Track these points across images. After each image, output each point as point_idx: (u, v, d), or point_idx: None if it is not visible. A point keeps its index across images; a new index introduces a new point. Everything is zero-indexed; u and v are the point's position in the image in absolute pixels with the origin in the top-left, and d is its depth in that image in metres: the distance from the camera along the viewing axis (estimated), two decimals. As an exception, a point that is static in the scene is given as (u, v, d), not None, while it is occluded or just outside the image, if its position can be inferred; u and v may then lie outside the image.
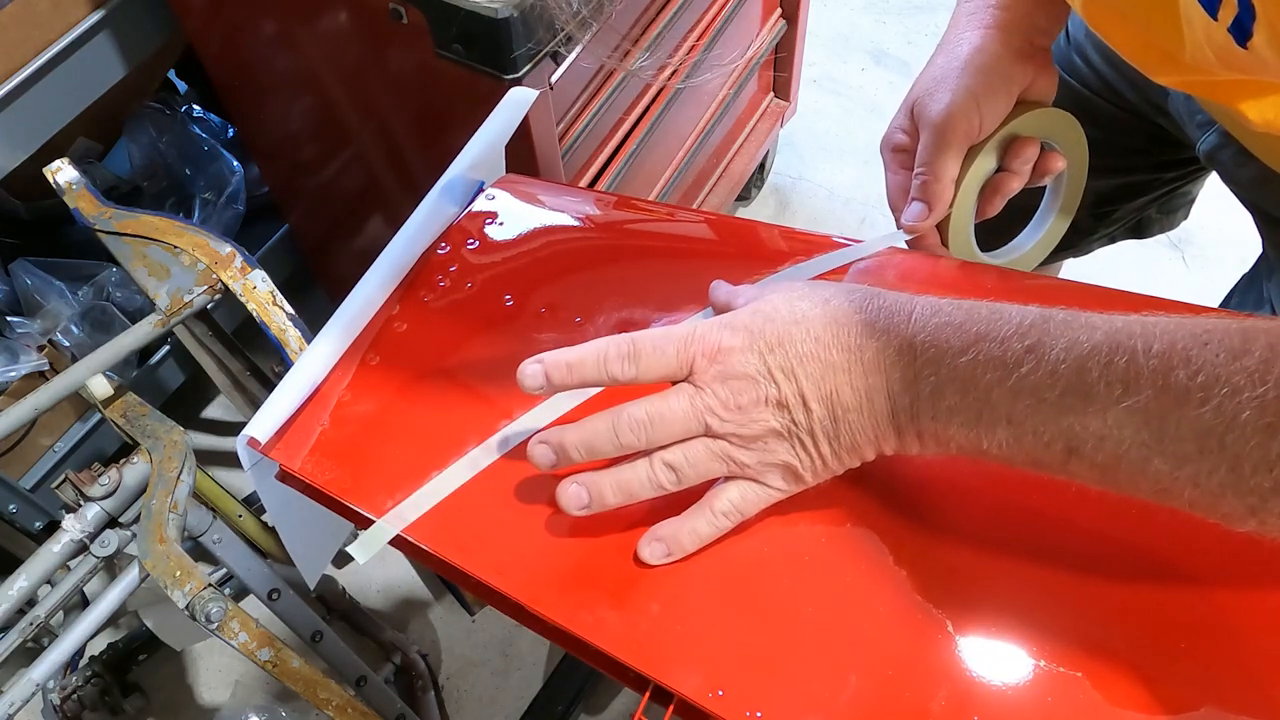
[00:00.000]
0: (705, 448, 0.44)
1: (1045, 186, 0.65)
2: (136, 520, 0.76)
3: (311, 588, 0.69)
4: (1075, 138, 0.63)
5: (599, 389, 0.51)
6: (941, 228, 0.60)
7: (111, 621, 0.96)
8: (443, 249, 0.62)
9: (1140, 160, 0.81)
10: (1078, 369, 0.37)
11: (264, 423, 0.52)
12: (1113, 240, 0.92)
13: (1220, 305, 0.77)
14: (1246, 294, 0.74)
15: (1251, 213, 0.71)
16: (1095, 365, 0.37)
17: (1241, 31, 0.41)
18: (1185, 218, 0.90)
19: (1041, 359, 0.38)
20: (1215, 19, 0.42)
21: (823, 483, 0.45)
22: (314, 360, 0.55)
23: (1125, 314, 0.38)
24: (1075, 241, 0.91)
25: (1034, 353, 0.38)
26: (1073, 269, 0.95)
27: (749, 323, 0.44)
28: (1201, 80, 0.49)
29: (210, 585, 0.71)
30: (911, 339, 0.41)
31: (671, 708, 0.43)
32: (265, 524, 0.96)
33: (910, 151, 0.60)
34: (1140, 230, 0.90)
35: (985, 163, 0.59)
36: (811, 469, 0.44)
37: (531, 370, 0.45)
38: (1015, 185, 0.61)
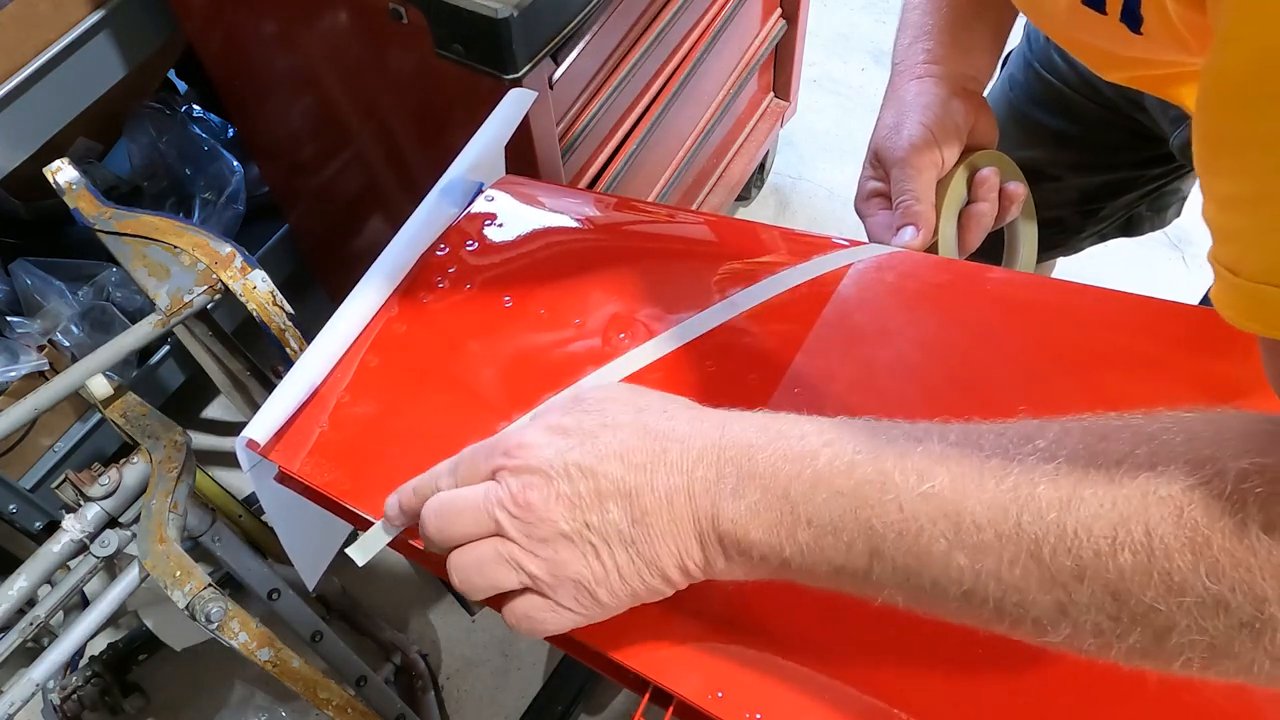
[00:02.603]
0: (494, 550, 0.41)
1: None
2: (136, 520, 0.76)
3: (311, 589, 0.69)
4: (1016, 174, 0.66)
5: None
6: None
7: (111, 621, 0.96)
8: (442, 250, 0.62)
9: (1123, 157, 0.82)
10: (874, 457, 0.36)
11: (263, 424, 0.52)
12: (1103, 238, 0.92)
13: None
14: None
15: None
16: (891, 455, 0.36)
17: (1133, 18, 0.42)
18: (1177, 215, 0.90)
19: (839, 451, 0.37)
20: (1104, 13, 0.44)
21: None
22: (313, 362, 0.55)
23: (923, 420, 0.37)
24: (1064, 240, 0.92)
25: (832, 446, 0.37)
26: (1073, 269, 0.94)
27: (558, 421, 0.42)
28: (1144, 75, 0.50)
29: (210, 585, 0.71)
30: (718, 440, 0.40)
31: (671, 709, 0.43)
32: (265, 524, 0.97)
33: (885, 194, 0.63)
34: (1131, 228, 0.91)
35: (957, 190, 0.63)
36: (606, 584, 0.40)
37: (389, 503, 0.46)
38: (987, 211, 0.63)
